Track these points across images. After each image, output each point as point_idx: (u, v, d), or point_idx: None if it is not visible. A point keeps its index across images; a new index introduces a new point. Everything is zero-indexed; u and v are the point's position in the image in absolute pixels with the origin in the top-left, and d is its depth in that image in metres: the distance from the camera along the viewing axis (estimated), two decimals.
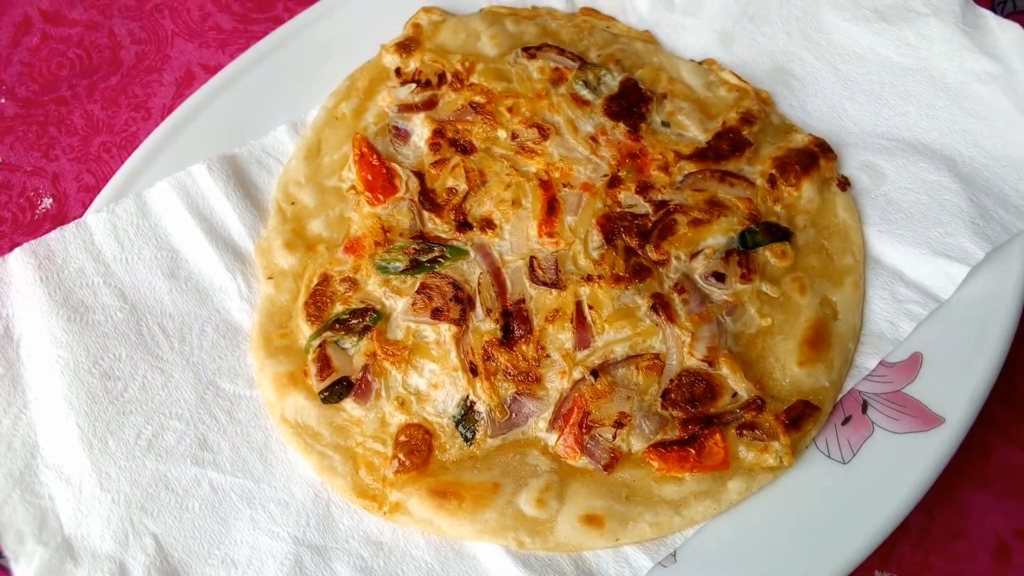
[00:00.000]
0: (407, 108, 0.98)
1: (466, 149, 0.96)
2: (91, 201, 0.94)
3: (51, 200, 1.06)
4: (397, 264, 0.89)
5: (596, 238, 0.89)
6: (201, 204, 0.94)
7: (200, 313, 0.90)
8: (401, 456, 0.81)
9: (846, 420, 0.83)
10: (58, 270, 0.89)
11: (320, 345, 0.86)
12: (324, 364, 0.85)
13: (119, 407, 0.84)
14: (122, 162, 0.96)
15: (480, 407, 0.83)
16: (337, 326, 0.87)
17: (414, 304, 0.87)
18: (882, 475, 0.79)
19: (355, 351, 0.86)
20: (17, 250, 0.89)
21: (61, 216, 1.03)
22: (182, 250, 0.93)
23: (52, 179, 1.07)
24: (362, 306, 0.88)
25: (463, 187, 0.93)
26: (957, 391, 0.81)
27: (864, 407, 0.83)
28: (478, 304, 0.87)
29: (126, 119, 1.11)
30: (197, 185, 0.95)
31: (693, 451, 0.80)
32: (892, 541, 0.80)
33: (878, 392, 0.83)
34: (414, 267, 0.89)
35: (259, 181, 0.98)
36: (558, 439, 0.82)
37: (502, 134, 0.96)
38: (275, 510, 0.82)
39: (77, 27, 1.17)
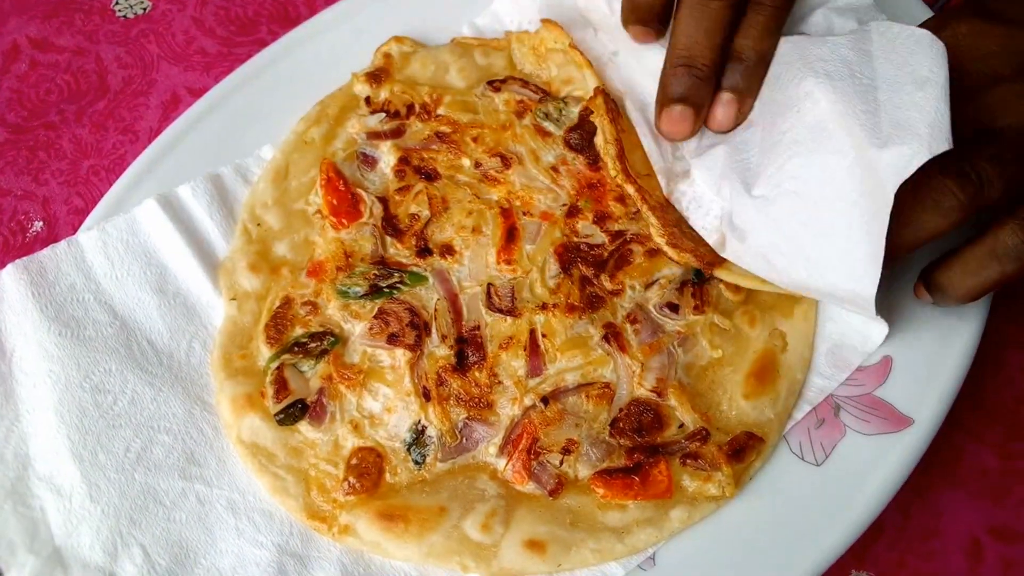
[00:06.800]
0: (375, 136, 1.00)
1: (430, 176, 0.97)
2: (81, 223, 0.95)
3: (41, 223, 1.08)
4: (357, 289, 0.91)
5: (553, 267, 0.90)
6: (187, 222, 0.96)
7: (188, 328, 0.92)
8: (351, 479, 0.83)
9: (819, 423, 0.85)
10: (50, 286, 0.91)
11: (278, 367, 0.88)
12: (281, 386, 0.86)
13: (109, 420, 0.86)
14: (111, 184, 0.98)
15: (431, 431, 0.85)
16: (296, 349, 0.89)
17: (371, 329, 0.88)
18: (854, 476, 0.81)
19: (312, 374, 0.88)
20: (10, 266, 0.91)
21: (52, 238, 1.05)
22: (170, 267, 0.94)
23: (42, 202, 1.09)
24: (321, 330, 0.89)
25: (425, 213, 0.95)
26: (926, 393, 0.84)
27: (837, 410, 0.85)
28: (434, 330, 0.88)
29: (114, 142, 1.13)
30: (182, 204, 0.97)
31: (637, 479, 0.81)
32: (868, 541, 0.83)
33: (850, 395, 0.85)
34: (374, 292, 0.90)
35: (243, 200, 0.99)
36: (507, 464, 0.83)
37: (466, 162, 0.98)
38: (259, 520, 0.83)
39: (65, 53, 1.19)
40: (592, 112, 0.95)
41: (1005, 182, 0.74)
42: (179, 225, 0.95)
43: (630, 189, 0.89)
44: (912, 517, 0.88)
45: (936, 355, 0.85)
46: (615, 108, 0.93)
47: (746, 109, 0.88)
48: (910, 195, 0.73)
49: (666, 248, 0.86)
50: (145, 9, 1.22)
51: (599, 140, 0.93)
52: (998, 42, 0.77)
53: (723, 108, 0.88)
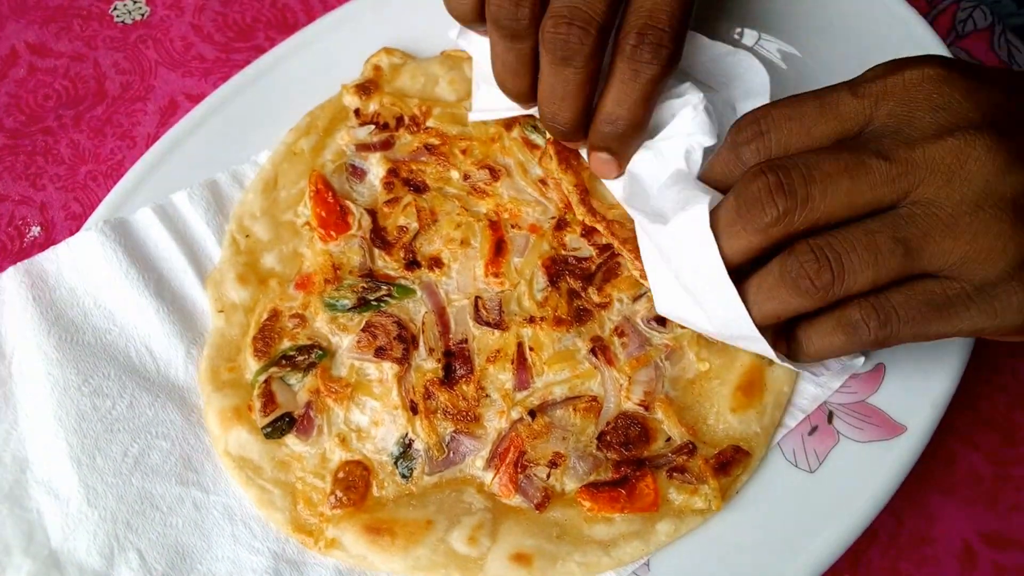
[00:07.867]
0: (364, 147, 1.00)
1: (419, 188, 0.97)
2: (78, 229, 0.96)
3: (39, 228, 1.09)
4: (345, 302, 0.91)
5: (541, 280, 0.90)
6: (183, 229, 0.97)
7: (186, 335, 0.92)
8: (338, 492, 0.83)
9: (812, 430, 0.85)
10: (50, 290, 0.91)
11: (265, 381, 0.88)
12: (268, 399, 0.87)
13: (107, 425, 0.86)
14: (108, 190, 0.98)
15: (418, 445, 0.85)
16: (283, 362, 0.89)
17: (359, 342, 0.89)
18: (847, 483, 0.81)
19: (300, 387, 0.88)
20: (10, 269, 0.91)
21: (49, 244, 1.03)
22: (167, 273, 0.95)
23: (40, 208, 1.10)
24: (309, 343, 0.90)
25: (414, 225, 0.95)
26: (919, 400, 0.83)
27: (830, 417, 0.85)
28: (421, 343, 0.89)
29: (112, 148, 1.13)
30: (179, 211, 0.97)
31: (624, 492, 0.81)
32: (861, 547, 0.85)
33: (843, 403, 0.85)
34: (362, 305, 0.91)
35: None
36: (493, 477, 0.84)
37: (455, 174, 0.97)
38: (255, 526, 0.84)
39: (63, 59, 1.19)
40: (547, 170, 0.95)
41: (875, 272, 0.68)
42: (175, 232, 0.96)
43: (600, 228, 0.90)
44: (905, 523, 0.88)
45: (929, 362, 0.84)
46: (571, 153, 0.92)
47: (623, 167, 0.86)
48: (778, 264, 0.71)
49: (642, 279, 0.86)
50: (143, 15, 1.23)
51: (564, 189, 0.93)
52: (959, 95, 0.69)
53: (601, 164, 0.86)
